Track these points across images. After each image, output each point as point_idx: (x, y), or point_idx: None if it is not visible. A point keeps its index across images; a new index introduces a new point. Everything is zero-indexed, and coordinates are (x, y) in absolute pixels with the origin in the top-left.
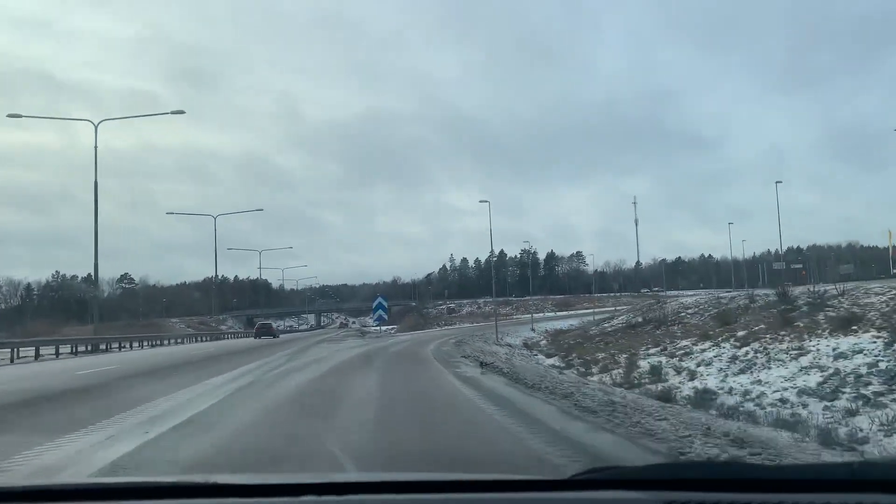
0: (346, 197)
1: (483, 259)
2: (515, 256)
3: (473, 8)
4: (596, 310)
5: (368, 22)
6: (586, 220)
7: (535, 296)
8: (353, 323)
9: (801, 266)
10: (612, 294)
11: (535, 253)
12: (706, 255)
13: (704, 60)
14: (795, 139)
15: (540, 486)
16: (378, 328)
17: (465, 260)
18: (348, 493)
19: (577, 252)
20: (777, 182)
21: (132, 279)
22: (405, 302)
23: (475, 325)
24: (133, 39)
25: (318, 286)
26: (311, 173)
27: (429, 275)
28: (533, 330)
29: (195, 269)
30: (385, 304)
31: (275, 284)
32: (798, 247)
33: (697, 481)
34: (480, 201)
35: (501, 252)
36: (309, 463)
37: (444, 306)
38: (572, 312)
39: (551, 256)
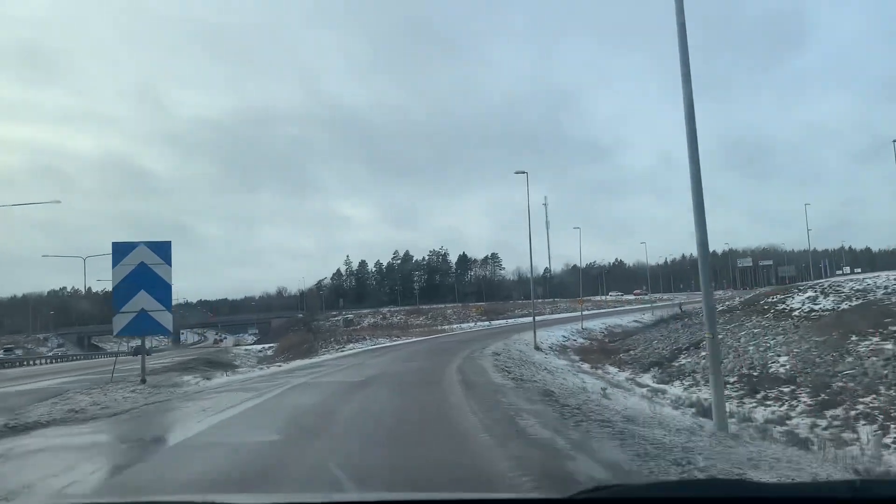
0: (225, 203)
1: (385, 262)
2: (423, 259)
3: None
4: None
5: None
6: (483, 228)
7: (454, 303)
8: (224, 339)
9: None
10: (547, 300)
11: (445, 255)
12: (617, 261)
13: (606, 60)
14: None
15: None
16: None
17: (363, 264)
18: None
19: (493, 254)
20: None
21: None
22: (290, 314)
23: (404, 342)
24: None
25: (189, 301)
26: (184, 176)
27: (320, 282)
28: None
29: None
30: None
31: None
32: (713, 251)
33: (700, 500)
34: (516, 172)
35: (406, 254)
36: None
37: (339, 318)
38: (556, 317)
39: (464, 260)
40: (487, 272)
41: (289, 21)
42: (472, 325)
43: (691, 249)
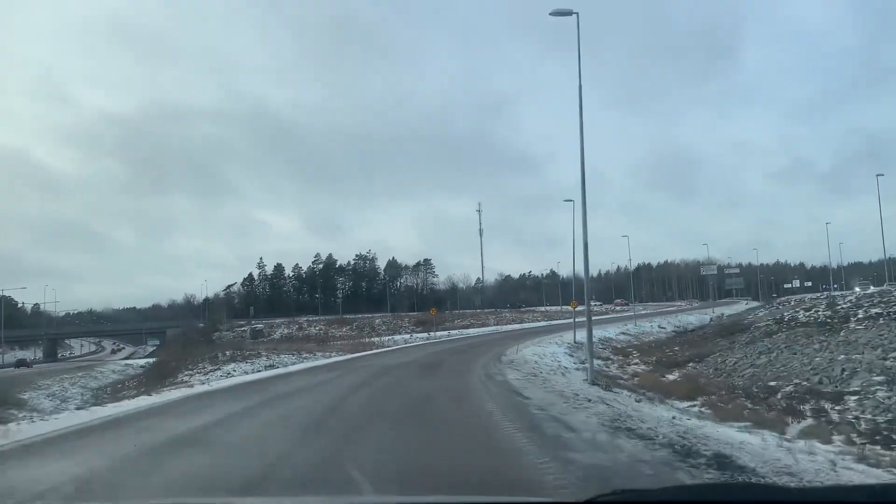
0: (136, 206)
1: (305, 267)
2: (348, 264)
3: None
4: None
5: None
6: (412, 238)
7: (383, 313)
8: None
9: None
10: (491, 310)
11: (373, 259)
12: (549, 272)
13: (540, 70)
14: (617, 162)
15: None
16: None
17: (279, 268)
18: None
19: (426, 260)
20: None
21: None
22: (188, 322)
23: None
24: None
25: (93, 309)
26: (89, 175)
27: (229, 287)
28: None
29: None
30: None
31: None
32: (648, 263)
33: (716, 503)
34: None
35: (329, 258)
36: None
37: (246, 328)
38: (516, 328)
39: (394, 266)
40: (419, 280)
41: (204, 10)
42: (407, 336)
43: (622, 262)
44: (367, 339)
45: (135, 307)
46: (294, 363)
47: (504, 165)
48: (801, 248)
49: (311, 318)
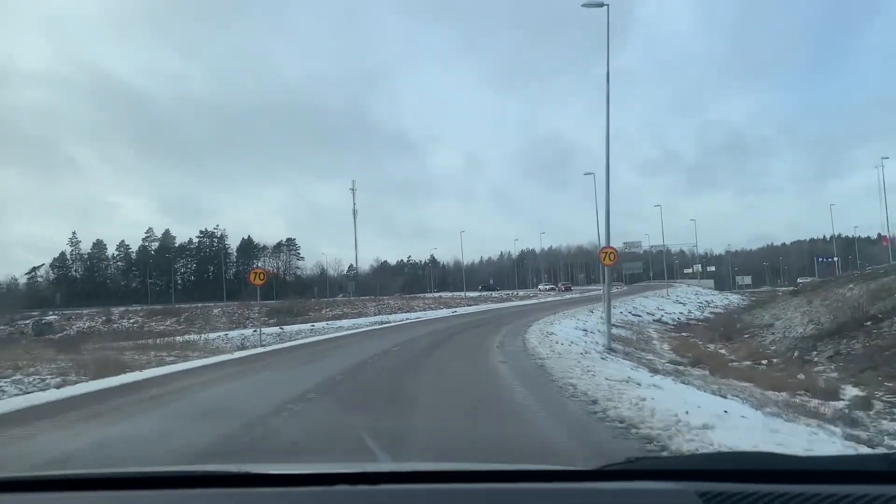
0: None
1: (137, 245)
2: (190, 243)
3: None
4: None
5: None
6: (278, 223)
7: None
8: None
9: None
10: (369, 297)
11: (222, 238)
12: (429, 259)
13: (420, 40)
14: (495, 148)
15: (575, 476)
16: None
17: (99, 246)
18: (380, 482)
19: (289, 240)
20: None
21: None
22: None
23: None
24: None
25: None
26: None
27: (33, 270)
28: None
29: None
30: None
31: None
32: (532, 249)
33: (731, 472)
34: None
35: (167, 234)
36: None
37: (30, 322)
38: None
39: (249, 246)
40: (281, 263)
41: None
42: (250, 332)
43: (504, 249)
44: (192, 338)
45: None
46: None
47: (381, 146)
48: (669, 239)
49: (129, 309)
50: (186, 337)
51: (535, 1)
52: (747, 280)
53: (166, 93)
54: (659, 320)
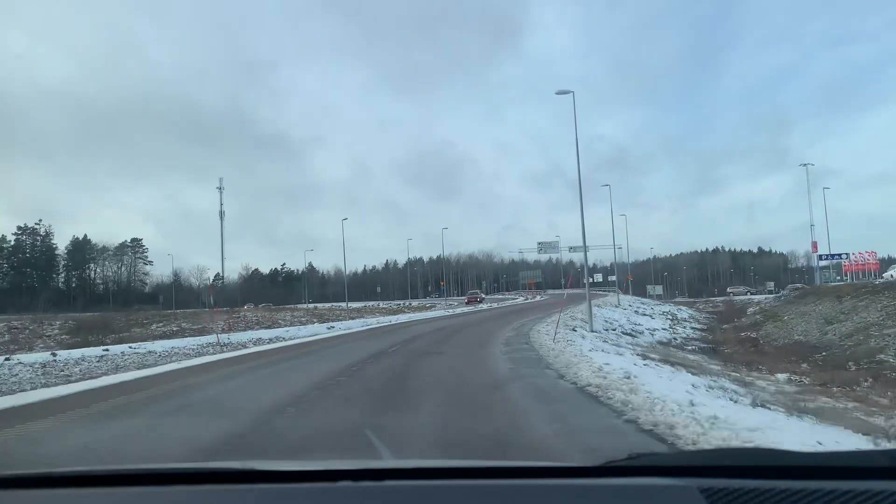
0: None
1: None
2: (3, 239)
3: None
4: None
5: None
6: (145, 231)
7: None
8: None
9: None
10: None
11: (48, 236)
12: (307, 266)
13: (305, 34)
14: (382, 154)
15: (577, 472)
16: None
17: None
18: (384, 478)
19: (134, 240)
20: None
21: None
22: None
23: None
24: None
25: None
26: None
27: None
28: None
29: None
30: None
31: None
32: (420, 257)
33: (734, 468)
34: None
35: None
36: None
37: None
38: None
39: (83, 246)
40: (124, 267)
41: None
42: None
43: (390, 258)
44: None
45: None
46: None
47: (260, 148)
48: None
49: None
50: None
51: (428, 2)
52: (658, 290)
53: (11, 79)
54: (662, 341)
